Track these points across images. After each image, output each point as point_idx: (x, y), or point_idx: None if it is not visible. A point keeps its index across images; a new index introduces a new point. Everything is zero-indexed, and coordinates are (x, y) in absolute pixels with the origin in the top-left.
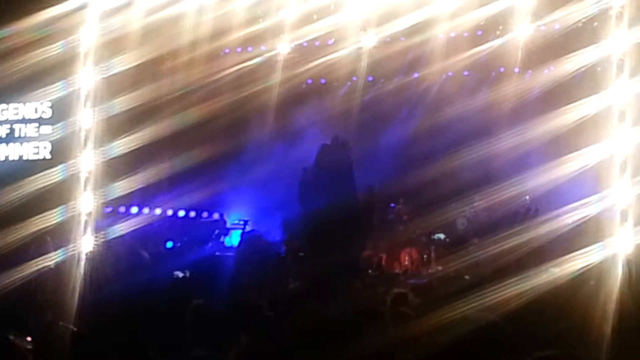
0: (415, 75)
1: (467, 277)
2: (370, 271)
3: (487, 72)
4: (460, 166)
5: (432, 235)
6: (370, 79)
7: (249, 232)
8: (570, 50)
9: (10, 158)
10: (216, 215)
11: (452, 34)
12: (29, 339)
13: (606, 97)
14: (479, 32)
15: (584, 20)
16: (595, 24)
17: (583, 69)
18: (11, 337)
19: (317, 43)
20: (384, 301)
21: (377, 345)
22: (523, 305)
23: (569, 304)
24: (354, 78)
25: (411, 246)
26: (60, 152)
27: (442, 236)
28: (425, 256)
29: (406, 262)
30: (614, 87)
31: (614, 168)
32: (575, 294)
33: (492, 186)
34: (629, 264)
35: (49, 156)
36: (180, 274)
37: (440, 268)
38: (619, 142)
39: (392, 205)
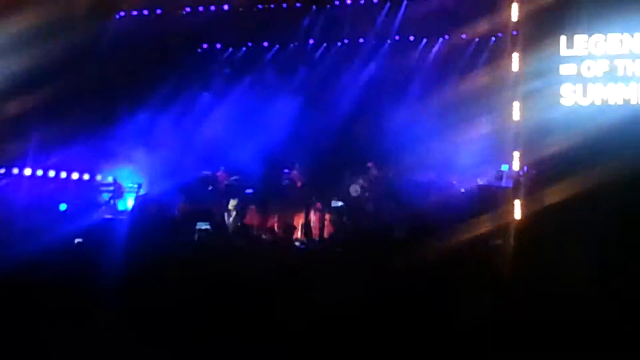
0: None
1: None
2: (263, 236)
3: None
4: None
5: (330, 202)
6: None
7: (142, 195)
8: None
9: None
10: (109, 179)
11: None
12: None
13: None
14: None
15: None
16: None
17: None
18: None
19: None
20: None
21: None
22: None
23: None
24: None
25: (306, 211)
26: None
27: (339, 203)
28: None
29: (300, 227)
30: None
31: None
32: None
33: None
34: None
35: None
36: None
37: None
38: None
39: (286, 171)
